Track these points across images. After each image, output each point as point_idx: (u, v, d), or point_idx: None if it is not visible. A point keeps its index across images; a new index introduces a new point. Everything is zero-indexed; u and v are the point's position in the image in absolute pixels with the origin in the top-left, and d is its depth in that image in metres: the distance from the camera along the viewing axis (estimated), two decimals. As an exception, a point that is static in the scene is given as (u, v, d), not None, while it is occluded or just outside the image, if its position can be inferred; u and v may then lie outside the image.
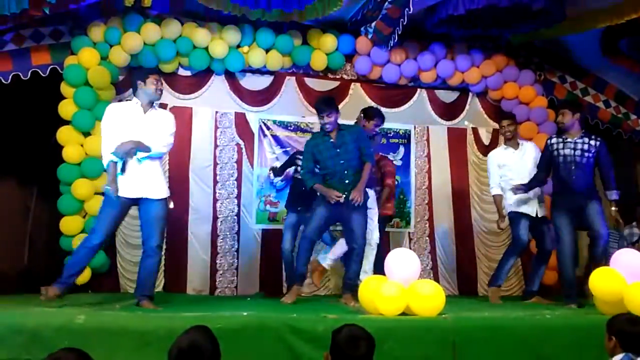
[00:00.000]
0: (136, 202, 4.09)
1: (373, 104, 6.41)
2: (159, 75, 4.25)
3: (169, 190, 4.26)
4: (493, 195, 5.40)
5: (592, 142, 4.76)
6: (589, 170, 4.75)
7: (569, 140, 4.80)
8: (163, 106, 5.80)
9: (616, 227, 5.63)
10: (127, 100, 5.62)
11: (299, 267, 4.59)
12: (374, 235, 4.95)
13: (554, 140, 4.89)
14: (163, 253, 5.62)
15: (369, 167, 4.58)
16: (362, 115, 5.16)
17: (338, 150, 4.54)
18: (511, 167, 5.24)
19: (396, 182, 5.87)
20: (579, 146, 4.75)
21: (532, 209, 5.14)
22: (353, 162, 4.55)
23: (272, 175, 5.87)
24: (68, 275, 4.00)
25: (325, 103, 4.62)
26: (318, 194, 4.64)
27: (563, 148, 4.79)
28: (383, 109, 6.37)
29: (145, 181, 4.05)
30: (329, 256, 4.93)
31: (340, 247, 4.87)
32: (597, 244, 4.70)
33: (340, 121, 6.23)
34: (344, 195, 4.43)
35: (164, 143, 4.17)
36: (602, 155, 4.76)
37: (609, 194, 4.79)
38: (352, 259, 4.56)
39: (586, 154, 4.72)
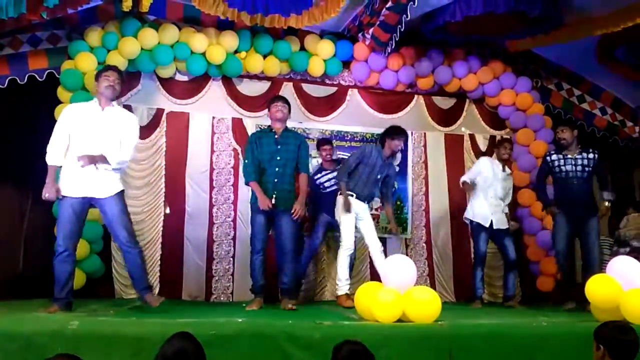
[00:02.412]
0: (90, 202, 3.96)
1: (370, 110, 6.44)
2: (114, 71, 4.11)
3: (121, 184, 4.09)
4: (462, 181, 5.62)
5: (590, 156, 4.99)
6: (589, 183, 4.98)
7: (569, 156, 5.00)
8: (160, 111, 5.83)
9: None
10: (123, 105, 5.63)
11: (257, 280, 4.61)
12: (377, 245, 5.03)
13: (554, 157, 5.09)
14: (159, 257, 5.66)
15: (305, 178, 4.71)
16: (386, 133, 5.19)
17: (278, 147, 4.61)
18: (490, 180, 5.55)
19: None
20: (579, 162, 4.97)
21: (487, 220, 5.49)
22: (289, 163, 4.62)
23: None
24: (58, 291, 3.92)
25: (281, 97, 4.86)
26: (251, 202, 4.73)
27: (564, 164, 5.00)
28: (380, 115, 6.44)
29: (92, 180, 3.90)
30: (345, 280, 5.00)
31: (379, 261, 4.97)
32: (590, 267, 4.92)
33: (338, 127, 6.33)
34: (274, 201, 4.51)
35: (126, 157, 4.04)
36: (599, 167, 5.02)
37: (604, 194, 5.02)
38: (285, 263, 4.63)
39: (586, 169, 4.95)
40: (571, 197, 4.97)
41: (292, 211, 4.53)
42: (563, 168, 4.99)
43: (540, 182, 5.35)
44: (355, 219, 5.00)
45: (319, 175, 5.72)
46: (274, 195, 4.53)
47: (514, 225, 5.81)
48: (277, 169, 4.58)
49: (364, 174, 4.98)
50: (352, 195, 4.94)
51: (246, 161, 4.68)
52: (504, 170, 5.65)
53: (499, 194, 5.58)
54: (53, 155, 3.95)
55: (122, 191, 4.07)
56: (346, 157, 6.08)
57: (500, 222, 5.56)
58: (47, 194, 3.89)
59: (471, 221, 5.62)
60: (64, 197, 3.91)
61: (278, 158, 4.58)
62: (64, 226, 3.91)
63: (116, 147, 3.97)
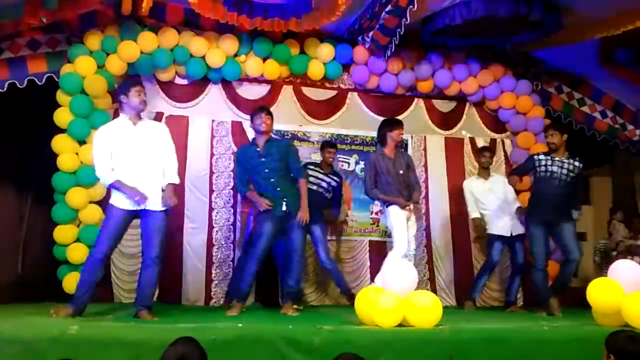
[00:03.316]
0: (137, 213, 4.05)
1: (370, 113, 6.44)
2: (141, 86, 4.19)
3: None
4: (472, 219, 5.83)
5: (576, 164, 4.99)
6: (570, 188, 4.97)
7: (557, 159, 4.99)
8: (159, 115, 5.82)
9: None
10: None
11: (244, 287, 4.57)
12: (411, 246, 4.93)
13: (542, 156, 5.07)
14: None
15: (303, 182, 4.72)
16: (384, 128, 5.09)
17: (263, 159, 4.61)
18: (480, 196, 5.72)
19: None
20: (566, 165, 4.96)
21: (507, 230, 5.62)
22: (279, 172, 4.62)
23: None
24: (79, 295, 3.93)
25: (265, 108, 4.82)
26: (259, 210, 4.69)
27: (551, 165, 4.99)
28: (380, 119, 6.38)
29: (149, 193, 3.99)
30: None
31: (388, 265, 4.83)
32: (570, 264, 4.93)
33: (337, 130, 6.32)
34: (284, 202, 4.54)
35: (175, 168, 4.18)
36: (580, 177, 5.02)
37: (574, 213, 5.03)
38: (292, 269, 4.60)
39: (570, 174, 4.95)
40: (549, 197, 4.94)
41: (297, 219, 4.53)
42: (549, 168, 4.97)
43: (516, 173, 5.28)
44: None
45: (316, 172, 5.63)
46: (285, 201, 4.55)
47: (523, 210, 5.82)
48: (270, 180, 4.60)
49: (388, 180, 4.91)
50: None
51: (237, 180, 4.73)
52: (488, 177, 5.81)
53: (500, 198, 5.68)
54: (109, 173, 3.98)
55: (168, 210, 4.14)
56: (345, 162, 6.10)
57: (517, 228, 5.66)
58: (139, 198, 3.95)
59: (490, 234, 5.71)
60: (115, 207, 3.98)
61: (266, 171, 4.60)
62: (109, 234, 3.97)
63: (157, 160, 4.06)
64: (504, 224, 5.64)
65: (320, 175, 5.57)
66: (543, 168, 5.01)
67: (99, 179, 4.20)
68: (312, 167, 5.64)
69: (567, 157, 4.99)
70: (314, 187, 5.47)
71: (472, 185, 5.83)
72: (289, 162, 4.67)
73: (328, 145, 5.75)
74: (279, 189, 4.58)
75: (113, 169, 3.99)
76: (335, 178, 5.67)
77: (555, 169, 4.96)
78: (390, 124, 5.11)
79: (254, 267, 4.55)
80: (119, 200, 3.99)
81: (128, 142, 4.00)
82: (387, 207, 4.95)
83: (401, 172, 4.96)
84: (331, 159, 5.70)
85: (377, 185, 4.95)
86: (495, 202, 5.71)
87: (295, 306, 4.64)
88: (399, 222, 4.83)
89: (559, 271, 5.15)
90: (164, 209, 4.06)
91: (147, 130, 4.11)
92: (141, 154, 4.01)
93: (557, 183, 4.93)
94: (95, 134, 4.14)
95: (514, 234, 5.65)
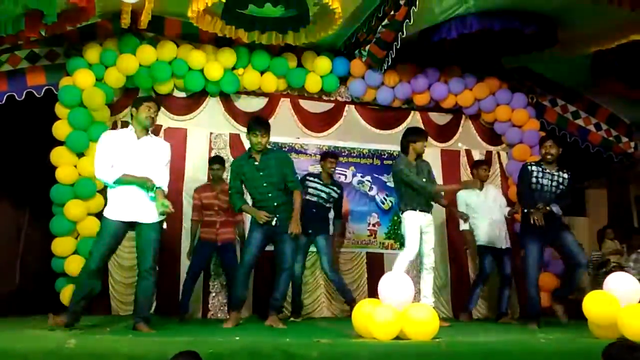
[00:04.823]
0: (132, 225, 4.05)
1: (367, 126, 6.47)
2: (155, 102, 4.17)
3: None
4: (461, 230, 5.89)
5: (565, 176, 4.99)
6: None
7: (547, 171, 4.98)
8: (158, 127, 5.83)
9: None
10: (121, 121, 5.66)
11: (240, 293, 4.56)
12: (430, 259, 4.92)
13: (534, 167, 5.01)
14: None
15: (299, 194, 4.63)
16: (407, 138, 5.01)
17: (261, 173, 4.56)
18: (475, 206, 5.75)
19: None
20: (556, 178, 4.96)
21: (499, 243, 5.70)
22: (277, 186, 4.57)
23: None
24: (73, 303, 3.93)
25: (263, 123, 4.65)
26: (250, 220, 4.65)
27: (542, 177, 4.97)
28: (377, 131, 6.47)
29: (140, 205, 3.99)
30: (426, 295, 4.83)
31: (426, 282, 4.88)
32: (577, 273, 4.90)
33: (334, 143, 6.35)
34: (275, 218, 4.48)
35: (166, 178, 4.13)
36: (569, 188, 4.98)
37: (554, 206, 4.84)
38: (280, 280, 4.59)
39: (560, 187, 4.95)
40: (545, 214, 4.87)
41: (290, 232, 4.49)
42: (541, 181, 4.95)
43: (526, 188, 5.03)
44: (421, 232, 4.88)
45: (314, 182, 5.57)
46: (276, 217, 4.51)
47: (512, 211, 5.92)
48: (268, 194, 4.56)
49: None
50: (414, 210, 4.84)
51: (231, 191, 4.65)
52: (482, 188, 5.83)
53: (492, 210, 5.74)
54: (110, 170, 3.94)
55: (163, 221, 4.12)
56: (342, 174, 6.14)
57: (505, 242, 5.75)
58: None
59: (480, 245, 5.74)
60: (109, 219, 3.96)
61: (264, 184, 4.56)
62: (103, 245, 3.96)
63: (152, 176, 4.02)
64: (493, 236, 5.67)
65: (320, 187, 5.54)
66: (534, 180, 4.96)
67: (102, 182, 4.12)
68: (311, 178, 5.60)
69: (557, 170, 4.98)
70: (314, 199, 5.47)
71: (467, 196, 5.81)
72: (286, 175, 4.60)
73: (329, 155, 5.67)
74: (275, 203, 4.55)
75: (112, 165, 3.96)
76: (335, 189, 5.62)
77: (546, 182, 4.94)
78: (415, 133, 5.00)
79: (245, 273, 4.54)
80: (112, 212, 3.98)
81: (127, 154, 4.00)
82: (402, 213, 4.93)
83: (424, 180, 4.92)
84: (332, 169, 5.62)
85: (405, 193, 4.87)
86: (487, 213, 5.73)
87: (281, 321, 4.59)
88: (413, 228, 4.83)
89: (568, 277, 5.07)
90: (158, 220, 4.05)
91: (149, 146, 4.10)
92: (138, 168, 3.99)
93: (548, 196, 4.89)
94: (101, 136, 4.11)
95: (503, 247, 5.69)
